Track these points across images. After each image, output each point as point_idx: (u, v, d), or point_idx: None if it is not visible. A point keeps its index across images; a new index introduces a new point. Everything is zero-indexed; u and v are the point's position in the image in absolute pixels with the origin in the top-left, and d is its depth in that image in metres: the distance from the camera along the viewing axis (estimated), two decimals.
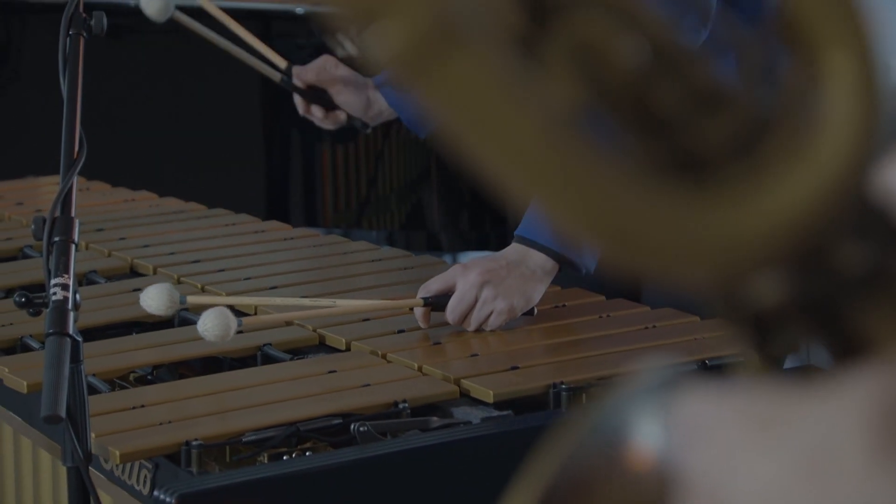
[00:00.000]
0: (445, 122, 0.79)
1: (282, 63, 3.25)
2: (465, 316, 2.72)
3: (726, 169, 0.81)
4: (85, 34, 2.28)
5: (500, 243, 3.50)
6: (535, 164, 0.79)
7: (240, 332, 2.58)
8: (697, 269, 0.81)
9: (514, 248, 2.77)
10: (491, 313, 2.68)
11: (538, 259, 2.74)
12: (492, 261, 2.78)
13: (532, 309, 2.72)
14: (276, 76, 3.26)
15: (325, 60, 3.25)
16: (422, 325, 2.74)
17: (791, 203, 0.80)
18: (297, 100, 3.25)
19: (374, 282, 3.01)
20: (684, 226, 0.80)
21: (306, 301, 2.88)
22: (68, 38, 2.27)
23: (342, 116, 3.23)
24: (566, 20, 0.81)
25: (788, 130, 0.81)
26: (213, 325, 2.62)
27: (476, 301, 2.70)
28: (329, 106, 3.22)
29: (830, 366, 0.84)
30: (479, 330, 2.69)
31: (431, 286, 2.76)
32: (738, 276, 0.82)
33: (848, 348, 0.84)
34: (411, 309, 2.76)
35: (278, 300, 2.91)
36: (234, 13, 4.18)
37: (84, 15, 2.29)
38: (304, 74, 3.22)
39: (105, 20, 2.31)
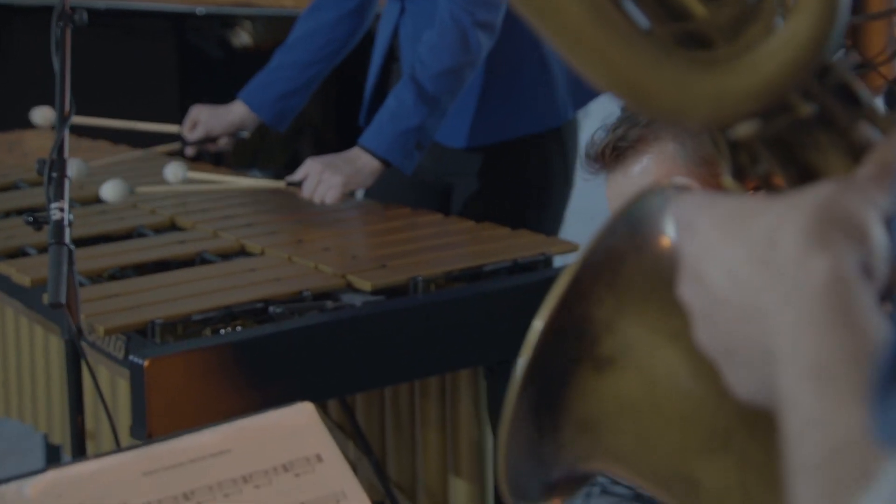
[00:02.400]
0: (525, 16, 0.81)
1: (175, 129, 3.23)
2: (314, 191, 2.81)
3: (723, 47, 0.82)
4: (71, 25, 2.23)
5: None
6: (589, 42, 0.80)
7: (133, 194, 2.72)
8: (709, 113, 0.81)
9: (353, 150, 2.85)
10: (330, 189, 2.78)
11: (368, 159, 2.81)
12: (334, 156, 2.84)
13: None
14: (177, 144, 3.22)
15: (195, 115, 3.22)
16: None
17: (771, 72, 0.80)
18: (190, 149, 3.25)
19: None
20: (693, 87, 0.80)
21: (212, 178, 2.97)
22: (58, 28, 2.21)
23: (224, 141, 3.20)
24: None
25: (768, 19, 0.81)
26: (111, 190, 2.69)
27: (320, 181, 2.79)
28: (212, 140, 3.20)
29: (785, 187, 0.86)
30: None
31: (294, 176, 2.85)
32: (734, 116, 0.82)
33: (798, 174, 0.84)
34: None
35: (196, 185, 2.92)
36: (145, 14, 4.02)
37: (70, 11, 2.23)
38: (192, 135, 3.20)
39: (86, 15, 2.24)
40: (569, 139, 3.02)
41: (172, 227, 2.75)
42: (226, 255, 2.56)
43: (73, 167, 2.83)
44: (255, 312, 2.27)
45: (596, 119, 1.96)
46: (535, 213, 2.97)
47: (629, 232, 0.93)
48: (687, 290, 0.82)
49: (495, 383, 2.38)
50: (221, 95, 3.47)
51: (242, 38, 3.99)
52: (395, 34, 3.02)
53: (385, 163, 2.82)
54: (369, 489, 2.45)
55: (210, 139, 3.20)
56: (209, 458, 1.15)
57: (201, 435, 1.16)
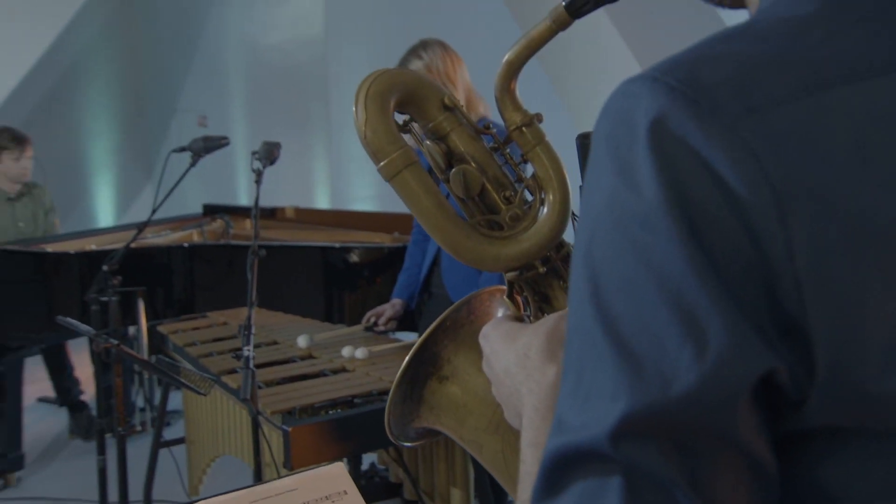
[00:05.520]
0: (403, 200, 0.79)
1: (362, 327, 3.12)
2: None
3: (507, 231, 0.83)
4: (257, 257, 2.35)
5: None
6: (434, 220, 0.80)
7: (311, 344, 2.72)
8: (492, 266, 0.81)
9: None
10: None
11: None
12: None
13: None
14: (359, 326, 3.14)
15: (378, 308, 3.16)
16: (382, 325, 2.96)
17: (529, 247, 0.81)
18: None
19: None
20: (486, 251, 0.81)
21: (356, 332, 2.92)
22: (251, 259, 2.34)
23: (390, 325, 3.15)
24: (458, 167, 0.82)
25: (532, 218, 0.82)
26: (302, 339, 2.79)
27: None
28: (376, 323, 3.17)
29: (536, 314, 0.85)
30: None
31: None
32: (506, 268, 0.83)
33: (543, 304, 0.85)
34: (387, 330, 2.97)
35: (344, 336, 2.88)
36: (303, 247, 3.94)
37: (256, 248, 2.36)
38: (370, 320, 3.17)
39: (265, 251, 2.41)
40: None
41: (309, 356, 2.76)
42: (335, 371, 2.58)
43: (303, 339, 2.89)
44: (348, 402, 2.30)
45: None
46: None
47: (467, 310, 0.90)
48: (485, 368, 0.80)
49: None
50: (348, 288, 3.64)
51: (355, 258, 4.06)
52: (438, 250, 3.00)
53: None
54: (410, 494, 2.46)
55: (377, 323, 3.18)
56: (286, 492, 1.14)
57: (282, 480, 1.15)
